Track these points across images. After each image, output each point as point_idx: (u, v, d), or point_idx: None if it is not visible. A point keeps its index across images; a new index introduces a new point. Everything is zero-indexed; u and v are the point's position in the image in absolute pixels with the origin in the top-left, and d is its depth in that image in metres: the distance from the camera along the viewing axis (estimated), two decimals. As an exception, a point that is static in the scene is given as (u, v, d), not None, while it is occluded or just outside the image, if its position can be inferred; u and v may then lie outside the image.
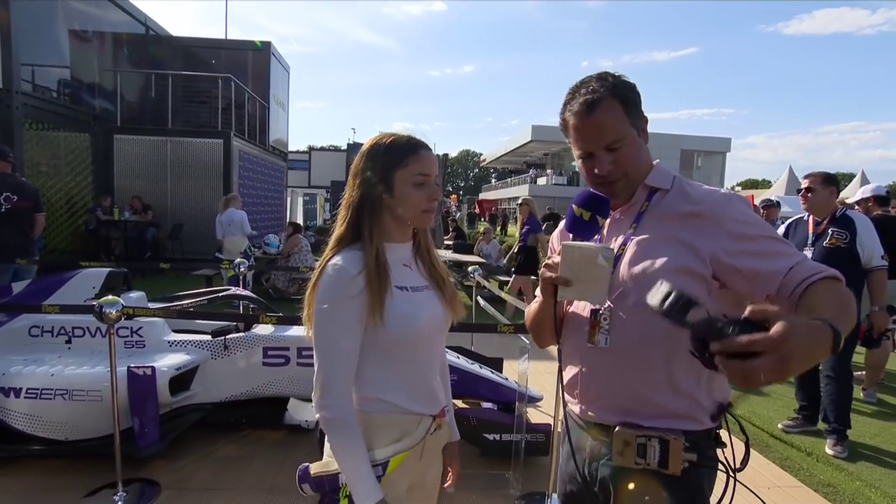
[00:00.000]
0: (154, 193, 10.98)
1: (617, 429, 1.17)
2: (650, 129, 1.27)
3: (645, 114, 1.25)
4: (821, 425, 3.90)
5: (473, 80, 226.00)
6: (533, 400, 3.41)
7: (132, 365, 2.88)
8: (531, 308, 1.39)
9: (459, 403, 3.84)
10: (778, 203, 7.50)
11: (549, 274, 1.19)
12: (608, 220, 1.27)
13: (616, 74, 1.22)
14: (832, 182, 3.80)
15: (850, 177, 17.50)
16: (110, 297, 2.58)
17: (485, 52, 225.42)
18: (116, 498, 2.67)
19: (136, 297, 3.54)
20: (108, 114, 11.18)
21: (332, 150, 34.18)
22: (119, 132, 10.94)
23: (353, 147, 30.43)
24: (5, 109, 8.39)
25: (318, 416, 1.21)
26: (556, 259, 1.17)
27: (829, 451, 3.65)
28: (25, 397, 2.88)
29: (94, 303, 2.55)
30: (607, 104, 1.17)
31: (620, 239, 1.23)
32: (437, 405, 1.36)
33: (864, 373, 4.88)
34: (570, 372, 1.29)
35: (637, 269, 1.16)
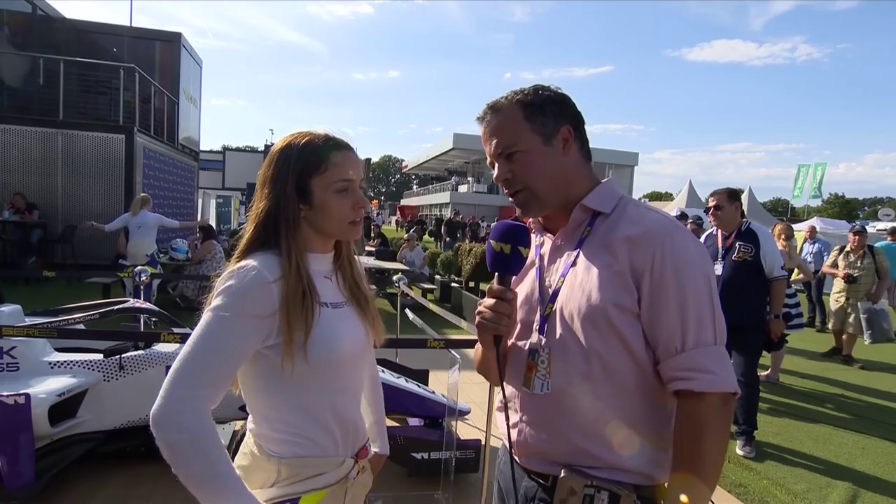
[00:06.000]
0: (42, 191, 9.84)
1: (563, 474, 1.05)
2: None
3: (585, 131, 1.17)
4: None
5: (399, 86, 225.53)
6: (461, 413, 3.31)
7: (0, 393, 2.46)
8: (477, 348, 1.26)
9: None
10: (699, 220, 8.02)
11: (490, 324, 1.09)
12: (549, 247, 1.17)
13: (543, 87, 1.14)
14: (736, 198, 4.08)
15: (740, 192, 19.41)
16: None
17: (411, 59, 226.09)
18: (-24, 552, 2.26)
19: (8, 311, 3.05)
20: (-14, 100, 9.92)
21: (248, 151, 32.71)
22: (-2, 121, 9.72)
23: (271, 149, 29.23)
24: None
25: (158, 438, 0.94)
26: (489, 302, 1.08)
27: (738, 451, 3.84)
28: None
29: (-49, 321, 2.14)
30: (506, 111, 1.12)
31: (560, 269, 1.12)
32: (357, 442, 1.19)
33: (767, 373, 5.57)
34: (511, 417, 1.15)
35: (574, 305, 1.06)
